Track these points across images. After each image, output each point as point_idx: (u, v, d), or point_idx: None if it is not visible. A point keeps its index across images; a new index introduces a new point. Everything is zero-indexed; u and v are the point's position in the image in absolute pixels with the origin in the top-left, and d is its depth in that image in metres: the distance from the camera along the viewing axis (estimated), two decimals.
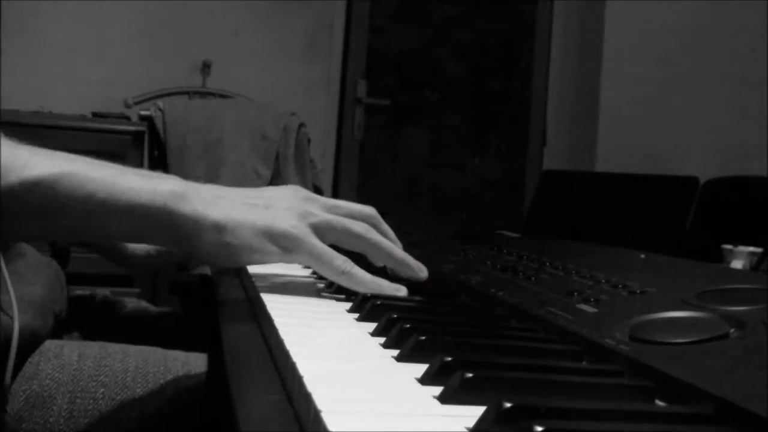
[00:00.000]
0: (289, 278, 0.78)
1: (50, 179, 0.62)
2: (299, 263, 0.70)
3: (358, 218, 0.72)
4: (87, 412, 0.84)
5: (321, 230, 0.69)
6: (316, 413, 0.35)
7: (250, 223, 0.66)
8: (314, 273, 0.82)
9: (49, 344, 0.92)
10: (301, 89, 3.18)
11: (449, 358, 0.42)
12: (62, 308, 1.05)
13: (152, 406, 0.86)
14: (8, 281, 0.88)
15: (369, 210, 0.74)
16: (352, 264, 0.68)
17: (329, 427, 0.33)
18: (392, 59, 3.48)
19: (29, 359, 0.87)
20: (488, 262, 0.81)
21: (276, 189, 0.73)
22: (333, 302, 0.66)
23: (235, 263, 0.69)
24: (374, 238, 0.71)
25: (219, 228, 0.65)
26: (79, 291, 1.18)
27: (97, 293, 1.18)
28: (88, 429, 0.84)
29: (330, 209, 0.71)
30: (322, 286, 0.74)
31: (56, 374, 0.86)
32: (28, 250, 1.02)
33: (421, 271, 0.73)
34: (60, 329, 1.07)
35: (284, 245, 0.67)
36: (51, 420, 0.83)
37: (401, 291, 0.69)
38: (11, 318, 0.86)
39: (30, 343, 0.89)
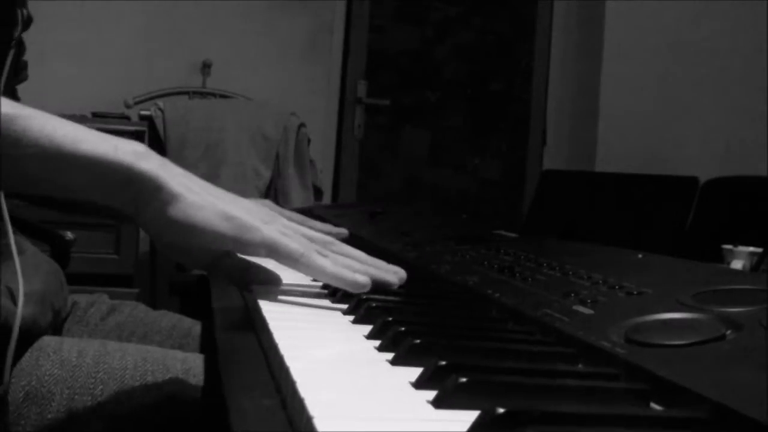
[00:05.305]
0: (284, 280, 0.77)
1: (10, 115, 0.60)
2: (255, 255, 0.66)
3: (318, 240, 0.69)
4: (85, 409, 0.84)
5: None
6: (309, 419, 0.35)
7: (210, 203, 0.63)
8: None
9: (49, 340, 0.91)
10: (301, 89, 3.18)
11: (443, 362, 0.42)
12: (62, 306, 1.05)
13: (151, 404, 0.86)
14: (18, 264, 0.87)
15: (323, 237, 0.70)
16: (313, 249, 0.64)
17: None
18: (392, 59, 3.47)
19: (28, 354, 0.87)
20: (485, 263, 0.81)
21: (243, 199, 0.69)
22: (328, 304, 0.66)
23: (182, 240, 0.63)
24: (308, 260, 0.64)
25: (177, 196, 0.61)
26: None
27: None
28: (86, 426, 0.84)
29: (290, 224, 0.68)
30: (318, 287, 0.74)
31: (55, 371, 0.86)
32: (28, 247, 1.02)
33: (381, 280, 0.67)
34: (60, 327, 1.07)
35: (239, 232, 0.63)
36: (49, 416, 0.83)
37: (362, 281, 0.64)
38: (14, 304, 0.86)
39: (30, 331, 0.89)
